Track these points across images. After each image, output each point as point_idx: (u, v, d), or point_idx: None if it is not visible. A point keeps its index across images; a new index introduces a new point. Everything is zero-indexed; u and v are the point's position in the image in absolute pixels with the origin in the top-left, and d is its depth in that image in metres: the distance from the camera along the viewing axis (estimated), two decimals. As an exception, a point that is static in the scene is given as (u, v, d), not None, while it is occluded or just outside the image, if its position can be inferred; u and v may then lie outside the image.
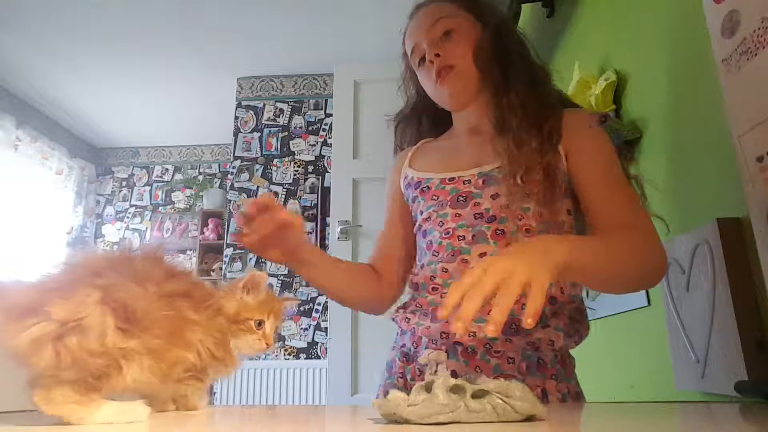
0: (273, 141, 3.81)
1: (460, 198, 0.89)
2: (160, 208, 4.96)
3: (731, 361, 0.77)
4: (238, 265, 4.49)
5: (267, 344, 0.64)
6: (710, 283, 0.82)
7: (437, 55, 0.92)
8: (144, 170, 5.07)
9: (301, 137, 3.80)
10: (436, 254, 0.89)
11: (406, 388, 0.83)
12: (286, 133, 3.81)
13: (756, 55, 0.68)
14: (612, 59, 1.29)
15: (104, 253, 0.63)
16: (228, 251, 4.51)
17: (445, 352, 0.82)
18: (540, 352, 0.81)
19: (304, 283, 3.51)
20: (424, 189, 0.94)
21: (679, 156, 1.00)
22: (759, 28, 0.67)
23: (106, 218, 4.95)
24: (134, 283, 0.52)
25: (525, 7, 1.81)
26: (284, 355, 3.50)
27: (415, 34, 0.97)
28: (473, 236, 0.85)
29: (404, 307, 0.93)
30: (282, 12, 3.09)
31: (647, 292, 1.14)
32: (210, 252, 4.63)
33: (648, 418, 0.58)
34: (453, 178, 0.92)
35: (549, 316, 0.81)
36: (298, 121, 3.83)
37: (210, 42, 3.40)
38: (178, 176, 5.03)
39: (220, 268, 4.51)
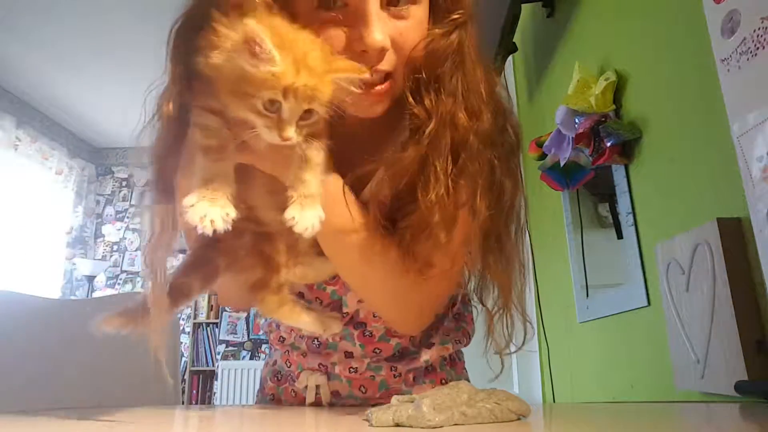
0: (273, 140, 3.81)
1: None
2: (160, 208, 4.95)
3: (731, 361, 0.77)
4: (238, 265, 4.49)
5: (281, 136, 0.45)
6: (710, 283, 0.82)
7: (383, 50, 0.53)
8: (144, 170, 5.07)
9: (301, 137, 3.80)
10: None
11: None
12: (286, 132, 3.81)
13: (756, 55, 0.68)
14: (612, 59, 1.29)
15: None
16: (228, 251, 4.51)
17: (326, 374, 0.73)
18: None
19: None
20: None
21: (679, 156, 1.00)
22: (759, 28, 0.67)
23: (106, 218, 4.95)
24: None
25: (525, 7, 1.81)
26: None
27: None
28: None
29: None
30: (282, 12, 3.09)
31: (647, 292, 1.13)
32: (210, 252, 4.63)
33: (648, 418, 0.58)
34: None
35: (432, 334, 0.75)
36: (298, 120, 3.83)
37: (210, 42, 3.41)
38: (178, 176, 5.03)
39: (220, 268, 4.51)
